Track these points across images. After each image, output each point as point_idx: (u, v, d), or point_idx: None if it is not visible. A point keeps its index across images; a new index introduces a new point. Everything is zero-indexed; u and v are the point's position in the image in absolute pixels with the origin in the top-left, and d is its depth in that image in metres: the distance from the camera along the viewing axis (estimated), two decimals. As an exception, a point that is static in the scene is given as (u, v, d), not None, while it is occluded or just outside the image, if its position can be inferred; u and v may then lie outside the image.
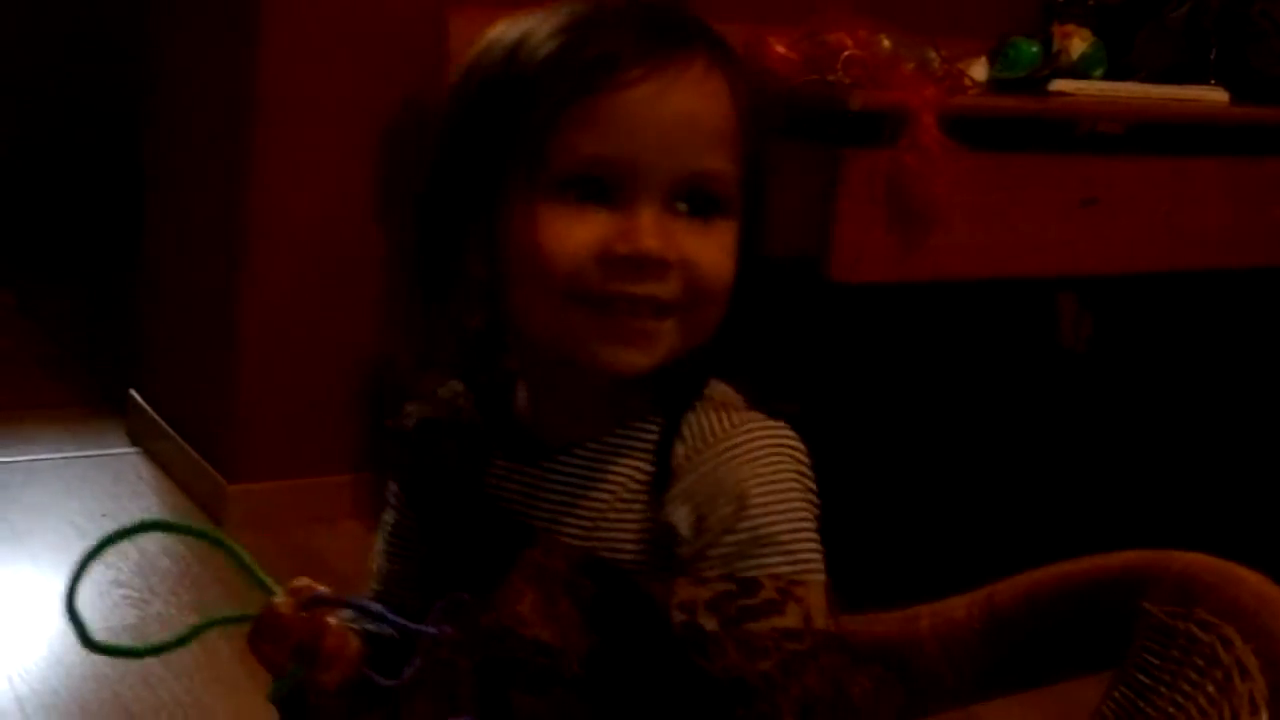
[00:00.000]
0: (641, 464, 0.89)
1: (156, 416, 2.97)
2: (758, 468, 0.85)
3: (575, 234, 0.86)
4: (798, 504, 0.85)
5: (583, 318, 0.86)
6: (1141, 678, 0.87)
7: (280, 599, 0.93)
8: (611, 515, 0.89)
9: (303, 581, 0.94)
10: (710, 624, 0.83)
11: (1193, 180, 2.54)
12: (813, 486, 0.87)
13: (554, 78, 0.86)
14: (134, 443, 3.05)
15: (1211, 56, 2.87)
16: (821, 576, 0.85)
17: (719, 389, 0.91)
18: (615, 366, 0.88)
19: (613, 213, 0.86)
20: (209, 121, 2.81)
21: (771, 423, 0.88)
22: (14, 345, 3.70)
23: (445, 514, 0.98)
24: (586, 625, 0.87)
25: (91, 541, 0.90)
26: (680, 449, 0.87)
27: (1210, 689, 0.84)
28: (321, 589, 0.93)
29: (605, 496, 0.89)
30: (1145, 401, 3.24)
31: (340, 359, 2.78)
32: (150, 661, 2.17)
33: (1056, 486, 2.97)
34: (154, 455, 2.97)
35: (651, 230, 0.85)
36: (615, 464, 0.90)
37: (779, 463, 0.86)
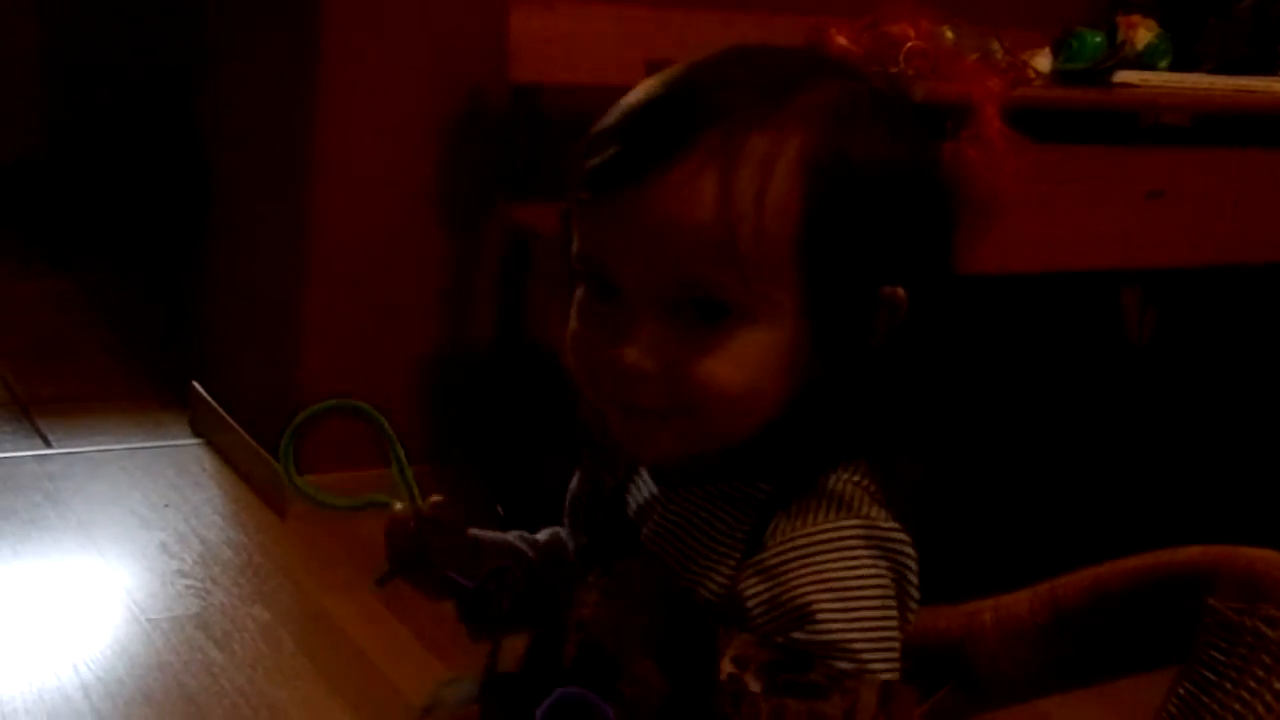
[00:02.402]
0: (746, 520, 0.88)
1: (219, 408, 3.00)
2: (834, 573, 0.83)
3: (587, 329, 0.88)
4: (872, 612, 0.84)
5: (607, 412, 0.89)
6: (1207, 674, 0.86)
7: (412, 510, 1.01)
8: (703, 561, 0.88)
9: (440, 503, 1.02)
10: (755, 686, 0.83)
11: (1260, 172, 2.51)
12: (912, 591, 0.86)
13: (572, 175, 0.87)
14: (197, 434, 3.07)
15: (1279, 48, 2.83)
16: (884, 677, 0.83)
17: (850, 475, 0.87)
18: (641, 459, 0.94)
19: (615, 314, 0.86)
20: (271, 112, 2.83)
21: (869, 524, 0.85)
22: (78, 336, 3.74)
23: (594, 499, 1.00)
24: (647, 650, 0.87)
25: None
26: (781, 522, 0.86)
27: (1277, 685, 0.83)
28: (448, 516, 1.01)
29: (707, 542, 0.89)
30: (1210, 396, 3.21)
31: (403, 351, 2.79)
32: (213, 652, 2.19)
33: (1120, 481, 2.94)
34: (216, 446, 2.99)
35: (634, 338, 0.85)
36: (724, 512, 0.89)
37: (858, 569, 0.84)
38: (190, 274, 3.31)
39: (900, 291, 0.87)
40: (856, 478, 0.87)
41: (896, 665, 0.85)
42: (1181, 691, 0.87)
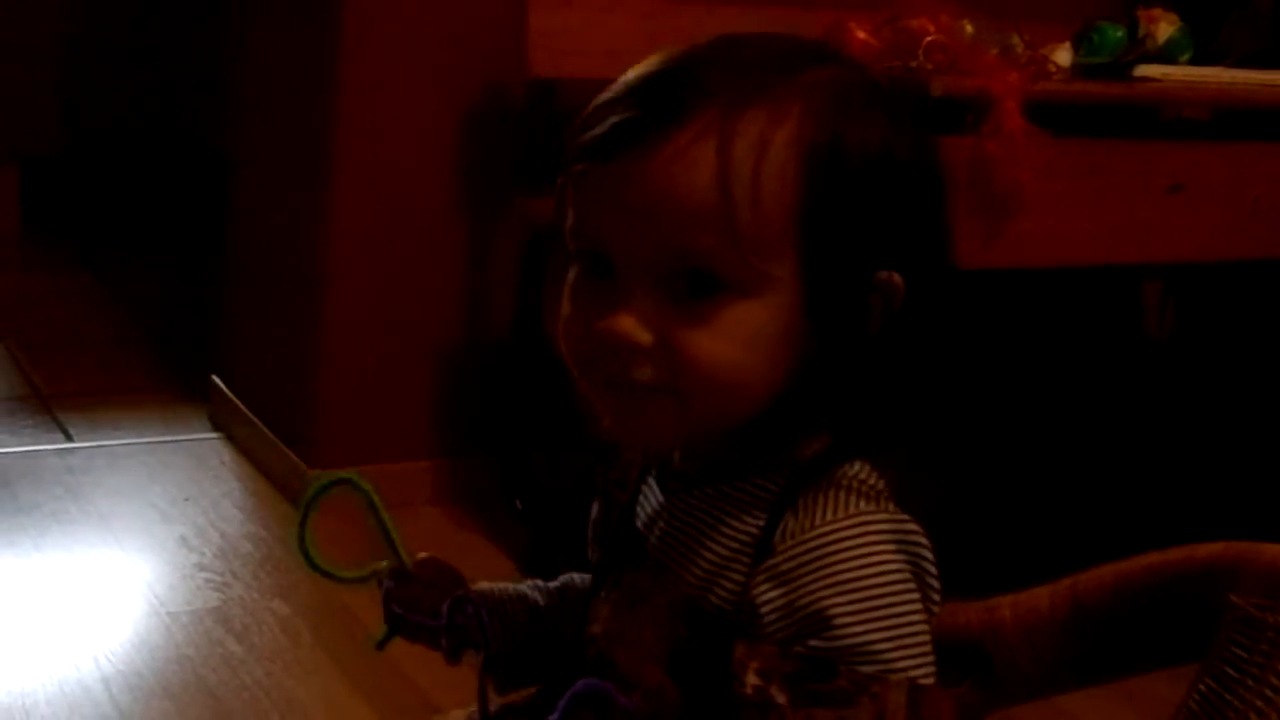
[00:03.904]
0: (754, 521, 0.86)
1: (238, 402, 3.00)
2: (850, 573, 0.82)
3: (579, 308, 0.87)
4: (893, 609, 0.82)
5: (596, 390, 0.88)
6: (1228, 671, 0.85)
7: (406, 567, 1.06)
8: (714, 565, 0.87)
9: (421, 561, 1.08)
10: (781, 698, 0.81)
11: (1282, 167, 2.50)
12: (932, 583, 0.85)
13: (569, 151, 0.86)
14: (216, 428, 3.08)
15: (1301, 41, 2.82)
16: (913, 674, 0.82)
17: (857, 471, 0.86)
18: (632, 442, 0.94)
19: (608, 291, 0.85)
20: (292, 107, 2.83)
21: (883, 516, 0.84)
22: (99, 330, 3.75)
23: (607, 517, 0.99)
24: (663, 665, 0.87)
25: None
26: (790, 522, 0.84)
27: (1300, 683, 0.83)
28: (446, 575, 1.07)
29: (714, 546, 0.87)
30: (1230, 391, 3.20)
31: (421, 345, 2.79)
32: (233, 645, 2.20)
33: (1141, 476, 2.93)
34: (236, 440, 3.00)
35: (628, 311, 0.83)
36: (731, 515, 0.87)
37: (875, 565, 0.82)
38: (210, 268, 3.31)
39: (896, 277, 0.86)
40: (863, 474, 0.86)
41: (926, 661, 0.83)
42: (1203, 688, 0.87)
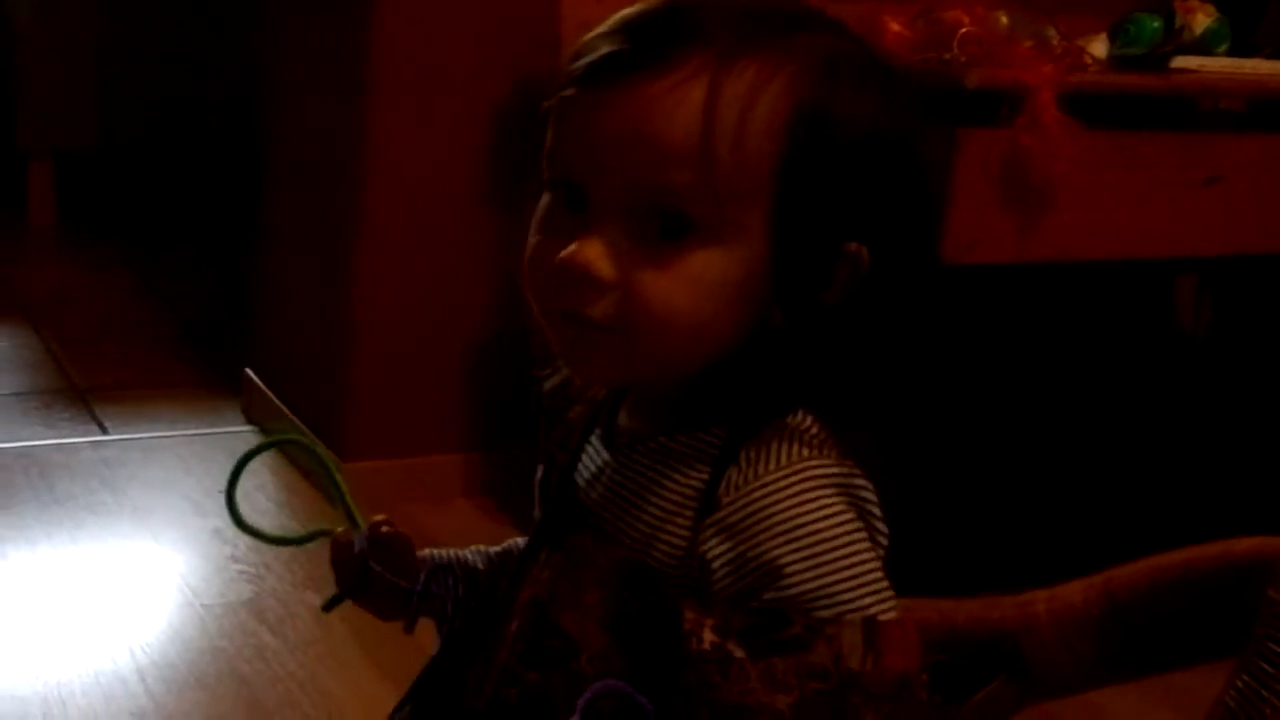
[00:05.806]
0: (698, 475, 0.86)
1: (271, 395, 3.01)
2: (795, 521, 0.82)
3: (547, 238, 0.87)
4: (841, 550, 0.82)
5: (552, 324, 0.88)
6: (1265, 666, 0.85)
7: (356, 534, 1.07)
8: (656, 520, 0.87)
9: (381, 521, 1.07)
10: (739, 652, 0.81)
11: (1321, 159, 2.48)
12: (878, 525, 0.85)
13: (558, 79, 0.87)
14: (249, 421, 3.09)
15: (1340, 32, 2.80)
16: (870, 612, 0.82)
17: (799, 421, 0.87)
18: (581, 380, 0.94)
19: (578, 223, 0.85)
20: (323, 101, 2.84)
21: (824, 462, 0.84)
22: (134, 323, 3.76)
23: (548, 478, 1.00)
24: (605, 625, 0.87)
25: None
26: (734, 474, 0.84)
27: (1338, 679, 0.82)
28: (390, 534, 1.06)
29: (657, 501, 0.87)
30: (1266, 387, 3.17)
31: (453, 338, 2.80)
32: (267, 637, 2.21)
33: (1176, 472, 2.92)
34: (269, 433, 3.01)
35: (592, 243, 0.83)
36: (673, 469, 0.88)
37: (818, 511, 0.82)
38: (244, 262, 3.33)
39: (863, 250, 0.86)
40: (805, 423, 0.86)
41: (883, 597, 0.83)
42: (1239, 684, 0.86)
